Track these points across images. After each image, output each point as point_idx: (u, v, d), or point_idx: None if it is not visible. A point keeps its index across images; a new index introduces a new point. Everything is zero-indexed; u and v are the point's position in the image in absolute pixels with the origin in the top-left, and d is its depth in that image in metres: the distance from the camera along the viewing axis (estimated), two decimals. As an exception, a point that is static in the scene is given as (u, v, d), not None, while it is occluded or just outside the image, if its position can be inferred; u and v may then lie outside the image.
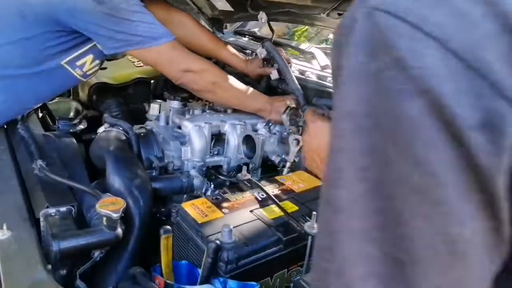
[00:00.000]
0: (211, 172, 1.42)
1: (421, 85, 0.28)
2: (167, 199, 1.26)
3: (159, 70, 1.35)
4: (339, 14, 1.54)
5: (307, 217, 0.97)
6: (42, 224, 0.91)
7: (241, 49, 1.92)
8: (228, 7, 1.85)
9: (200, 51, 1.54)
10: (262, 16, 1.55)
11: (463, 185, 0.29)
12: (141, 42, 1.21)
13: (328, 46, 1.91)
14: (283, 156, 1.39)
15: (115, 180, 1.05)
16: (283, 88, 1.66)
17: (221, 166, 1.42)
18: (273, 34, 1.73)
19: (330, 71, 1.63)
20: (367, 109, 0.31)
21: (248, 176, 1.11)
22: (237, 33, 2.34)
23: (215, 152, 1.42)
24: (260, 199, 1.03)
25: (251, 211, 0.98)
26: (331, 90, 1.52)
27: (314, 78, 1.59)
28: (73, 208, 0.97)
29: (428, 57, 0.28)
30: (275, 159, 1.39)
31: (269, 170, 1.45)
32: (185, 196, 1.26)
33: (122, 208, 0.90)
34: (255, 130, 1.46)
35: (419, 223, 0.30)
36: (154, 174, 1.26)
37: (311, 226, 0.91)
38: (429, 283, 0.31)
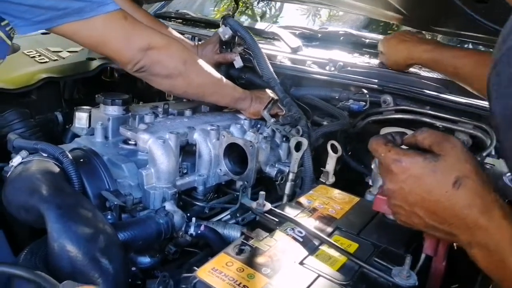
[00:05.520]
0: (180, 198, 1.04)
1: None
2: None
3: (105, 52, 0.90)
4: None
5: (378, 260, 0.67)
6: None
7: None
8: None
9: None
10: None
11: None
12: (83, 9, 0.78)
13: (292, 25, 1.60)
14: (277, 166, 1.07)
15: (65, 245, 0.63)
16: (248, 78, 1.33)
17: (195, 189, 1.05)
18: (237, 6, 1.37)
19: (302, 53, 1.35)
20: None
21: (268, 205, 0.77)
22: (160, 16, 1.91)
23: (184, 171, 1.04)
24: (300, 239, 0.70)
25: (301, 262, 0.65)
26: (310, 75, 1.24)
27: (287, 63, 1.28)
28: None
29: None
30: (270, 170, 1.05)
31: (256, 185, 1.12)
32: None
33: (106, 307, 0.50)
34: (230, 135, 1.10)
35: None
36: (110, 218, 0.85)
37: (404, 275, 0.61)
38: None
